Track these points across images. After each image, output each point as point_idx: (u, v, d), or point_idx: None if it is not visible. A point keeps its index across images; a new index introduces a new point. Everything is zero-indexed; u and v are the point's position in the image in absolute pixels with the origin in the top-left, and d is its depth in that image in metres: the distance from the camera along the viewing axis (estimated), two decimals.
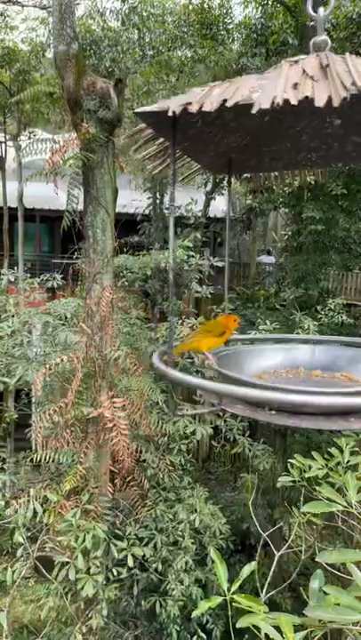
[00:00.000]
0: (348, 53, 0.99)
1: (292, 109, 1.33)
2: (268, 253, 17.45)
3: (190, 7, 10.80)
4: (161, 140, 1.50)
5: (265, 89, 0.91)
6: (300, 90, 0.87)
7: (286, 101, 0.84)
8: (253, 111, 0.87)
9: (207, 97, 0.98)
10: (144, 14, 10.31)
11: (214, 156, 1.71)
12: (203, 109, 0.94)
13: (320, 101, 0.82)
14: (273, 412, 1.26)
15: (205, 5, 10.69)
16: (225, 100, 0.93)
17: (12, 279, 5.93)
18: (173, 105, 0.99)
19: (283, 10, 9.43)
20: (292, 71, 0.96)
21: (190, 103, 0.97)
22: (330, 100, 0.82)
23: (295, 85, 0.89)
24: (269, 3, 9.64)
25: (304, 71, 0.94)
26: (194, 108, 0.96)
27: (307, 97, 0.85)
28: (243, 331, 7.40)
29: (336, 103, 0.82)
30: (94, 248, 4.02)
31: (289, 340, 2.11)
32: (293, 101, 0.84)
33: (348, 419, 1.21)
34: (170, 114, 0.99)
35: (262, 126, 1.44)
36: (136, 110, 1.12)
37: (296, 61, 1.01)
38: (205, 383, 1.29)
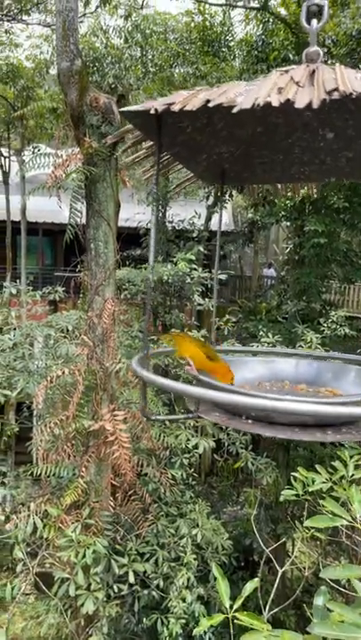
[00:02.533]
0: (338, 64, 1.01)
1: (285, 119, 1.34)
2: (270, 266, 17.50)
3: (192, 25, 10.98)
4: (150, 143, 1.51)
5: (250, 93, 0.93)
6: (284, 93, 0.88)
7: (268, 103, 0.85)
8: (234, 111, 0.88)
9: (192, 98, 1.00)
10: (147, 32, 10.49)
11: (207, 165, 1.71)
12: (185, 109, 0.96)
13: (300, 104, 0.84)
14: (249, 420, 1.23)
15: (207, 23, 10.87)
16: (208, 101, 0.94)
17: (15, 292, 5.95)
18: (157, 104, 1.02)
19: (283, 27, 9.56)
20: (281, 79, 0.98)
21: (173, 103, 0.99)
22: (310, 102, 0.83)
23: (280, 90, 0.91)
24: (270, 20, 9.78)
25: (292, 78, 0.96)
26: (176, 107, 0.97)
27: (288, 99, 0.86)
28: (245, 343, 7.38)
29: (316, 105, 0.84)
30: (96, 261, 4.04)
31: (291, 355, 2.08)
32: (275, 103, 0.85)
33: (325, 431, 1.18)
34: (152, 112, 1.01)
35: (254, 137, 1.45)
36: (121, 109, 1.14)
37: (286, 71, 1.03)
38: (178, 385, 1.19)
